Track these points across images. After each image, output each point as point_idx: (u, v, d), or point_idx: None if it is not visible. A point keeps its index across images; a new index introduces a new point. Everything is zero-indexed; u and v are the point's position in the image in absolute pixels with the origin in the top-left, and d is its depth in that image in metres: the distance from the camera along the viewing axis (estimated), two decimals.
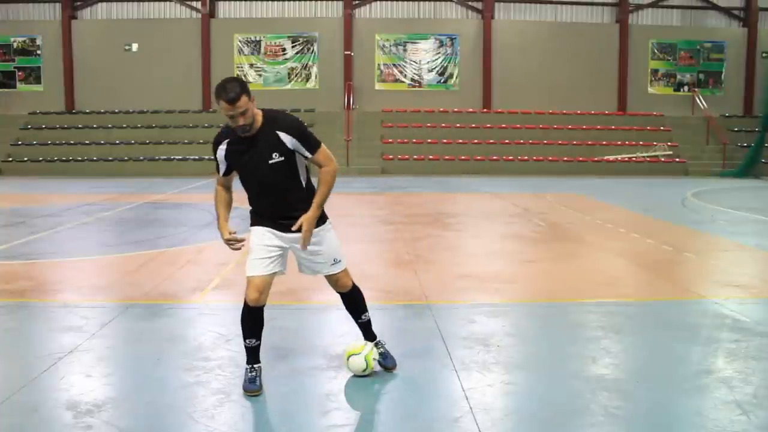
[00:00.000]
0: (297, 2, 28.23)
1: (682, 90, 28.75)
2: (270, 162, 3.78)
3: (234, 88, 3.62)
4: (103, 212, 12.85)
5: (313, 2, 28.23)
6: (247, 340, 3.99)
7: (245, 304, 3.95)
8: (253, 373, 3.97)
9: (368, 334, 4.30)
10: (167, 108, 26.96)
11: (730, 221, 12.02)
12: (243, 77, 27.76)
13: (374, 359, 4.16)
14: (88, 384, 4.03)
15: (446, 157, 24.95)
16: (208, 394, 3.88)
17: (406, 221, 11.54)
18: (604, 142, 25.95)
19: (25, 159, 24.93)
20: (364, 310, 4.27)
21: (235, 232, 4.02)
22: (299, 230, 3.87)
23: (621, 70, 28.11)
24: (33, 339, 4.99)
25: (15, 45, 27.82)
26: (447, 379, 4.14)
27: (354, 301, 4.25)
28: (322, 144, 3.90)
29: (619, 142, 26.03)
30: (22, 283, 6.83)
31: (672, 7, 28.79)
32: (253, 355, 4.00)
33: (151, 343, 4.88)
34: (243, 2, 28.26)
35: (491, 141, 25.84)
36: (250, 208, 4.07)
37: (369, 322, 4.29)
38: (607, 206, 14.22)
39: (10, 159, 24.97)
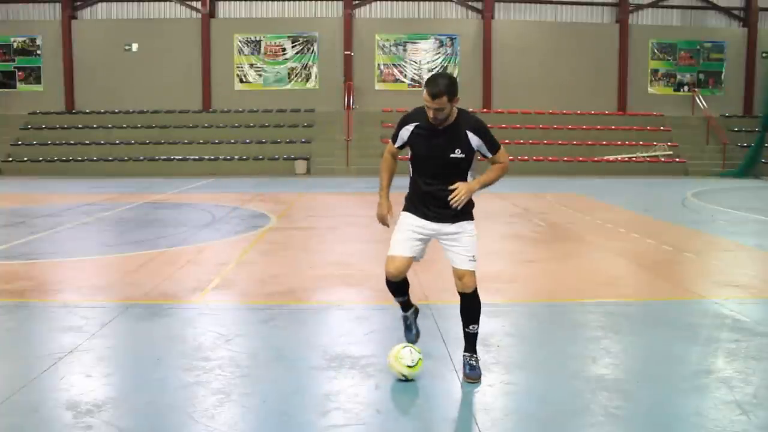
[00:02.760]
0: (297, 2, 28.23)
1: (682, 90, 28.74)
2: (451, 156, 3.99)
3: (440, 85, 3.83)
4: (103, 212, 12.85)
5: (313, 2, 28.22)
6: (397, 298, 4.41)
7: (386, 279, 4.25)
8: (409, 321, 4.47)
9: (470, 345, 4.24)
10: (167, 108, 26.94)
11: (730, 221, 12.02)
12: (243, 77, 27.81)
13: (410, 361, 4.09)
14: (88, 384, 4.03)
15: None
16: (208, 394, 3.88)
17: None
18: (604, 142, 25.96)
19: (25, 159, 24.94)
20: (476, 321, 4.24)
21: (391, 212, 4.30)
22: (444, 220, 4.13)
23: (621, 70, 28.11)
24: (33, 339, 4.99)
25: (15, 45, 27.81)
26: (447, 379, 4.14)
27: (471, 307, 4.25)
28: (502, 146, 4.15)
29: (619, 142, 26.04)
30: (22, 283, 6.83)
31: (672, 7, 28.79)
32: (405, 306, 4.46)
33: (151, 343, 4.88)
34: (243, 2, 28.25)
35: None
36: (408, 192, 4.27)
37: (476, 335, 4.25)
38: (607, 206, 14.22)
39: (10, 159, 24.98)
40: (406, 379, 4.06)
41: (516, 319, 5.57)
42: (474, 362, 4.19)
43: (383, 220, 4.30)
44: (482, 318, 5.46)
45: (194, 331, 5.17)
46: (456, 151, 3.99)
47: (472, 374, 4.12)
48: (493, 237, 10.11)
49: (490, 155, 4.10)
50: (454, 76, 4.06)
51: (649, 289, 6.82)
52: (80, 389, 3.94)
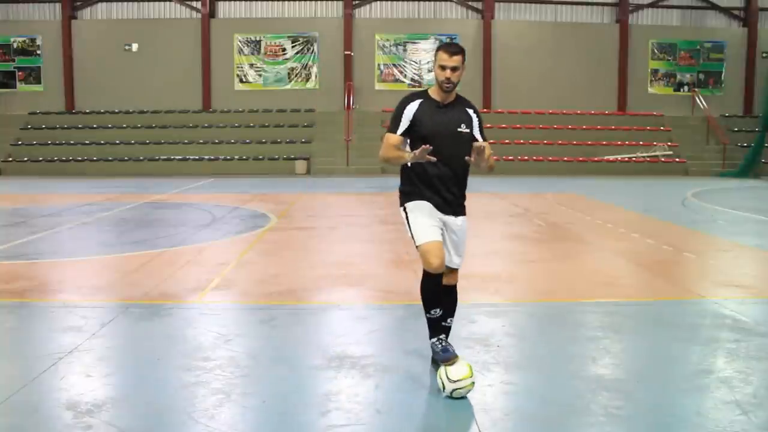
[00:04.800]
0: (297, 2, 28.22)
1: (682, 90, 28.74)
2: (458, 130, 4.01)
3: (457, 46, 4.03)
4: (103, 212, 12.85)
5: (313, 2, 28.22)
6: (432, 311, 3.99)
7: (425, 274, 3.93)
8: (444, 344, 3.97)
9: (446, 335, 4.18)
10: (167, 108, 26.93)
11: (730, 221, 12.02)
12: (243, 77, 27.81)
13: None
14: (88, 384, 4.03)
15: None
16: (208, 394, 3.88)
17: None
18: (604, 142, 25.95)
19: (25, 159, 24.94)
20: (452, 314, 4.23)
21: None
22: (449, 212, 4.03)
23: (621, 70, 28.11)
24: (33, 339, 4.99)
25: (15, 45, 27.80)
26: None
27: (452, 298, 4.20)
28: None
29: (619, 142, 26.04)
30: (22, 283, 6.83)
31: (672, 7, 28.78)
32: (436, 328, 4.02)
33: (151, 343, 4.88)
34: (243, 2, 28.25)
35: (491, 141, 25.68)
36: (406, 187, 4.10)
37: (449, 329, 4.20)
38: (607, 206, 14.22)
39: (10, 159, 24.98)
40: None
41: (516, 319, 5.57)
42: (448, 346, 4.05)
43: (424, 152, 3.78)
44: (482, 318, 5.50)
45: (194, 331, 5.17)
46: (461, 125, 4.02)
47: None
48: (493, 237, 10.11)
49: (480, 138, 4.10)
50: None
51: (649, 289, 6.82)
52: (80, 389, 3.94)
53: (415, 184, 4.06)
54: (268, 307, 5.91)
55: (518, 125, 26.72)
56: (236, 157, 25.05)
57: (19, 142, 25.78)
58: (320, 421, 3.54)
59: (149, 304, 5.94)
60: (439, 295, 3.99)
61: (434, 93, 4.05)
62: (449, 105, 4.04)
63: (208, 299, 6.18)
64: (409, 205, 4.06)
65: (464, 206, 4.15)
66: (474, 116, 4.09)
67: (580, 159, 25.16)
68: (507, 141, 25.85)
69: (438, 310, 4.01)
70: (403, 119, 4.02)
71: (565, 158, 25.19)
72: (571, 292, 6.65)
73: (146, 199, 15.45)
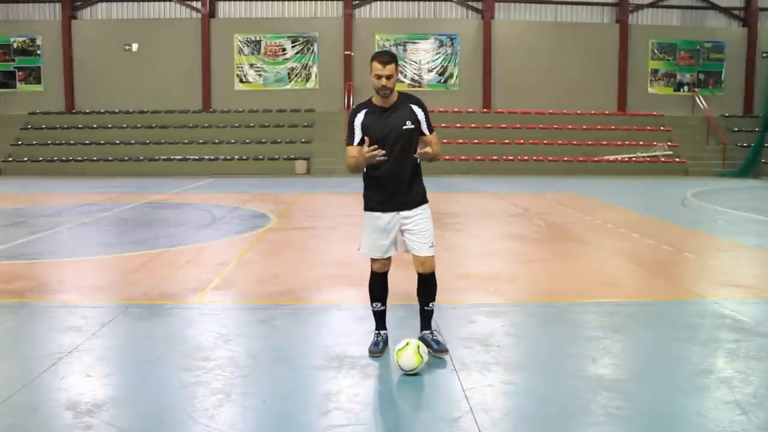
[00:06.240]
0: (297, 2, 28.23)
1: (682, 90, 28.75)
2: (404, 127, 4.32)
3: (389, 54, 4.34)
4: (103, 212, 12.85)
5: (313, 2, 28.23)
6: (374, 304, 4.61)
7: (371, 272, 4.57)
8: (378, 338, 4.61)
9: (427, 323, 4.60)
10: (167, 108, 26.95)
11: (730, 221, 12.02)
12: (243, 77, 27.82)
13: (424, 353, 4.21)
14: (88, 384, 4.03)
15: (446, 157, 24.93)
16: (208, 394, 3.88)
17: None
18: (604, 142, 25.96)
19: (25, 159, 24.95)
20: (434, 298, 4.59)
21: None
22: (402, 208, 4.40)
23: (621, 70, 28.12)
24: (33, 339, 4.99)
25: (15, 45, 27.80)
26: (447, 379, 4.14)
27: (431, 286, 4.55)
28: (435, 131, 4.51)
29: (619, 142, 26.04)
30: (22, 283, 6.83)
31: (672, 7, 28.79)
32: (380, 321, 4.64)
33: (151, 343, 4.88)
34: (243, 2, 28.26)
35: (491, 141, 25.84)
36: (365, 190, 4.49)
37: (432, 312, 4.61)
38: (607, 206, 14.22)
39: (10, 159, 24.99)
40: (414, 373, 4.18)
41: (516, 319, 5.57)
42: (438, 337, 4.59)
43: (370, 155, 4.12)
44: (482, 318, 5.50)
45: (194, 331, 5.17)
46: (407, 123, 4.32)
47: (441, 348, 4.46)
48: (493, 237, 10.11)
49: (427, 132, 4.39)
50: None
51: (649, 289, 6.82)
52: (80, 389, 3.94)
53: (369, 185, 4.47)
54: (268, 307, 5.92)
55: (518, 125, 26.72)
56: (236, 157, 25.06)
57: (19, 142, 25.79)
58: (320, 421, 3.54)
59: (149, 304, 5.94)
60: (380, 290, 4.59)
61: (377, 100, 4.38)
62: (392, 107, 4.35)
63: (208, 299, 6.18)
64: (366, 214, 4.49)
65: (421, 197, 4.45)
66: (419, 111, 4.37)
67: (580, 159, 25.17)
68: (507, 141, 25.86)
69: (379, 304, 4.61)
70: (355, 131, 4.38)
71: (565, 158, 25.19)
72: (571, 292, 6.65)
73: (146, 199, 15.45)
